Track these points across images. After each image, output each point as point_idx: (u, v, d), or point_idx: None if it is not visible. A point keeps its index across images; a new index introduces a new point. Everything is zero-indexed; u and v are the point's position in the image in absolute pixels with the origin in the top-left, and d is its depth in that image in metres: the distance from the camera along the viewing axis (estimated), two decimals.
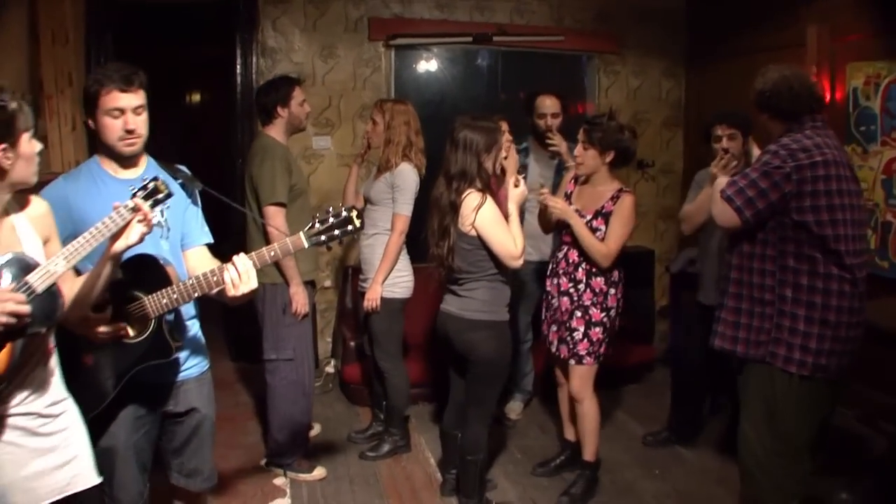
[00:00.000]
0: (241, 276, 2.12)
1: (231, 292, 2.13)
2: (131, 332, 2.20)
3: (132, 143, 2.27)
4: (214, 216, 3.51)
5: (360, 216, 2.24)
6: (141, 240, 1.98)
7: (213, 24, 5.31)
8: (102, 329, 2.16)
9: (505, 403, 4.58)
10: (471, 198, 3.09)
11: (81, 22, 4.38)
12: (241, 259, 2.15)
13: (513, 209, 3.17)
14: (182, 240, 2.45)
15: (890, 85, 4.00)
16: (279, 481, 3.68)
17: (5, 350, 1.79)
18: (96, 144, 2.35)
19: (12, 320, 1.73)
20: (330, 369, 5.21)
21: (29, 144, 1.87)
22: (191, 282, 2.17)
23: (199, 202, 2.57)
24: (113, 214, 1.93)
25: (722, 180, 2.86)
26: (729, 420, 4.03)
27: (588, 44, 5.72)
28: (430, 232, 3.27)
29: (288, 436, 3.70)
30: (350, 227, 2.18)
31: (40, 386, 1.95)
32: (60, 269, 1.84)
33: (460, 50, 5.61)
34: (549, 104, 4.42)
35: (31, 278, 1.80)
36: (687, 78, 5.96)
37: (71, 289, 2.03)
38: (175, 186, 2.43)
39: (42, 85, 3.94)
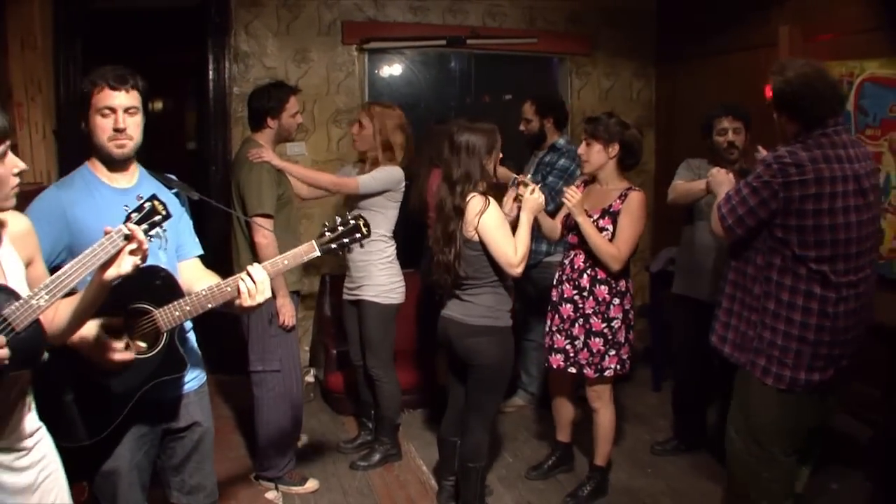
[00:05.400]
0: (258, 285, 2.08)
1: (247, 302, 2.08)
2: (142, 346, 2.10)
3: (122, 143, 2.18)
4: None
5: (367, 224, 2.26)
6: (134, 270, 1.81)
7: (185, 30, 5.18)
8: (119, 357, 2.00)
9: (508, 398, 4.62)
10: (474, 202, 3.05)
11: (50, 28, 4.24)
12: (256, 269, 2.10)
13: (524, 217, 3.09)
14: (177, 251, 2.38)
15: (863, 83, 4.07)
16: (271, 495, 3.59)
17: None
18: (88, 150, 2.25)
19: None
20: (310, 378, 5.12)
21: None
22: (204, 293, 2.10)
23: (190, 212, 2.51)
24: (103, 241, 1.75)
25: (722, 189, 2.83)
26: (717, 417, 3.98)
27: (560, 46, 5.73)
28: (433, 240, 3.19)
29: (277, 448, 3.62)
30: (359, 235, 2.27)
31: (16, 422, 1.77)
32: (43, 304, 1.64)
33: (433, 53, 5.57)
34: (523, 109, 4.51)
35: (11, 314, 1.60)
36: (658, 78, 6.00)
37: (56, 316, 1.87)
38: (170, 196, 2.36)
39: (11, 93, 3.81)
